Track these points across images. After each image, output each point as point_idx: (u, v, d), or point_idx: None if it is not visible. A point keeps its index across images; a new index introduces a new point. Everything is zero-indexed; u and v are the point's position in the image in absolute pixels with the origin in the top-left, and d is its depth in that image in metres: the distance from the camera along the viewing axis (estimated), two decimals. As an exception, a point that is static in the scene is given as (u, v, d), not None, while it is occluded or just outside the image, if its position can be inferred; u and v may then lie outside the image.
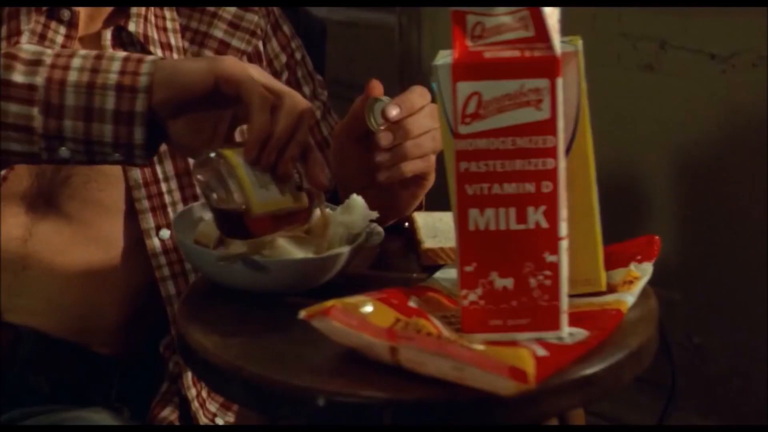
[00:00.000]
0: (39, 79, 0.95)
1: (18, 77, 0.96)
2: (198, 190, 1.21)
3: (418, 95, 1.06)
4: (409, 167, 1.06)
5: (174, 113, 0.97)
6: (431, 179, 1.11)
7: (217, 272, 0.97)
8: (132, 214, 1.19)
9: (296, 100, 0.96)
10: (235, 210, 0.93)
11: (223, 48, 1.26)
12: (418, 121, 1.05)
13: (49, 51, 0.98)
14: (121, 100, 0.95)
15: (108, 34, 1.19)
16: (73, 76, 0.96)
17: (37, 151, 0.97)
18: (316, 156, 0.97)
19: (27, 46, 0.99)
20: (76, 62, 0.97)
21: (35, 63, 0.96)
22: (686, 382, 1.55)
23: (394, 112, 1.03)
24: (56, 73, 0.96)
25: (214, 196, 0.93)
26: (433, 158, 1.08)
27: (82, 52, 0.99)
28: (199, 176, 0.94)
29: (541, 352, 0.81)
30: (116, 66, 0.96)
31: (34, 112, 0.95)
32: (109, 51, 1.00)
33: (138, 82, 0.95)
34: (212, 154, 0.94)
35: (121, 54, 0.98)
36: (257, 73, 0.96)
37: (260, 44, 1.28)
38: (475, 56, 0.82)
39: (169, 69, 0.96)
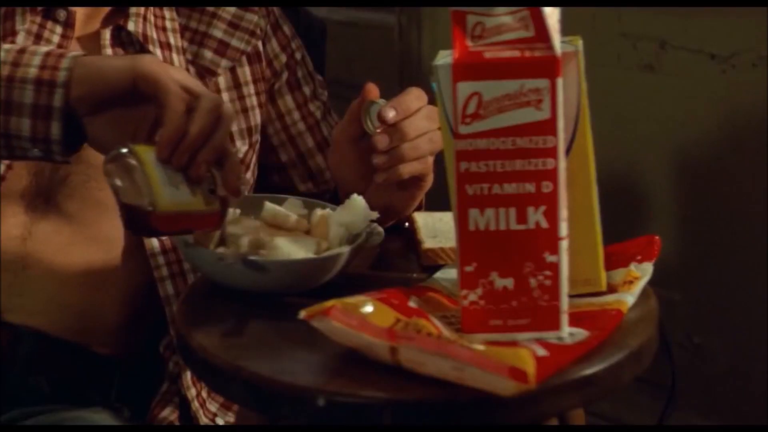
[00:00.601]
0: None
1: None
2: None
3: (415, 97, 1.06)
4: (407, 169, 1.06)
5: (93, 110, 0.96)
6: (429, 180, 1.12)
7: (217, 272, 0.97)
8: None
9: (215, 103, 0.94)
10: (140, 206, 0.91)
11: (223, 48, 1.26)
12: (414, 123, 1.05)
13: None
14: (39, 95, 0.94)
15: (107, 34, 1.19)
16: None
17: None
18: (233, 162, 0.96)
19: None
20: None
21: None
22: (686, 383, 1.55)
23: (390, 114, 1.04)
24: None
25: (121, 189, 0.92)
26: (430, 160, 1.08)
27: (7, 46, 0.98)
28: (108, 170, 0.92)
29: (541, 352, 0.81)
30: (37, 60, 0.96)
31: None
32: (33, 46, 0.99)
33: (57, 77, 0.94)
34: (124, 150, 0.92)
35: (45, 48, 0.98)
36: (179, 75, 0.96)
37: (260, 44, 1.28)
38: (475, 56, 0.82)
39: (88, 65, 0.95)
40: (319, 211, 1.03)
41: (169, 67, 0.96)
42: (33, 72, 0.95)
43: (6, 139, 0.97)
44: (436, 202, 1.26)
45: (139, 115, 0.97)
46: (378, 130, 1.05)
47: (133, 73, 0.95)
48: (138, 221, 0.92)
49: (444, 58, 0.85)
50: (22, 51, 0.97)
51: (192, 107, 0.94)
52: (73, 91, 0.95)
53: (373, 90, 1.07)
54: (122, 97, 0.96)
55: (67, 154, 0.98)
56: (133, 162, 0.92)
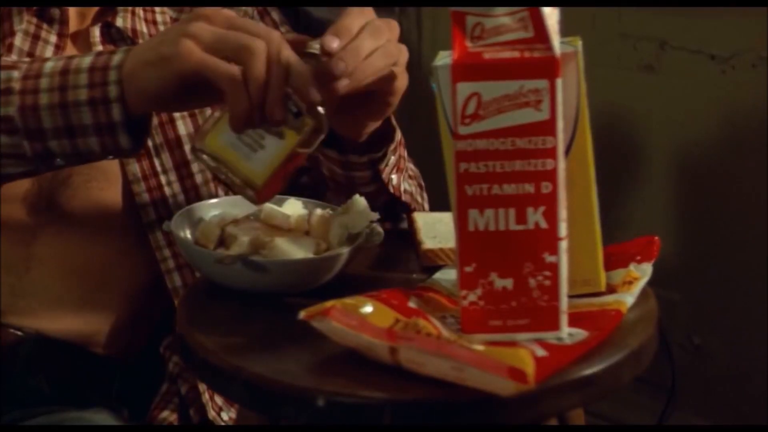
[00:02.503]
0: (12, 110, 0.93)
1: None
2: (198, 180, 1.21)
3: (355, 17, 1.02)
4: (368, 80, 1.01)
5: (154, 110, 0.97)
6: (400, 85, 1.06)
7: (217, 272, 0.98)
8: (133, 211, 1.19)
9: (262, 50, 0.91)
10: (247, 195, 0.94)
11: None
12: (361, 43, 1.00)
13: (15, 74, 0.96)
14: (97, 114, 0.93)
15: (96, 31, 1.19)
16: (44, 99, 0.93)
17: (34, 169, 0.97)
18: (297, 74, 0.93)
19: None
20: (44, 83, 0.95)
21: (6, 92, 0.94)
22: (686, 383, 1.55)
23: (333, 44, 0.98)
24: (28, 99, 0.94)
25: (228, 184, 0.94)
26: (397, 69, 1.04)
27: (48, 67, 0.96)
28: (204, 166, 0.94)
29: (541, 352, 0.81)
30: (83, 79, 0.94)
31: (19, 140, 0.94)
32: (76, 59, 0.97)
33: (108, 93, 0.93)
34: (194, 155, 0.94)
35: (87, 62, 0.96)
36: (213, 38, 0.93)
37: None
38: (474, 57, 0.82)
39: (135, 80, 0.94)
40: (319, 211, 1.03)
41: (202, 37, 0.93)
42: (84, 93, 0.94)
43: (78, 156, 0.97)
44: (436, 202, 1.27)
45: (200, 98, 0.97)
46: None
47: (178, 78, 0.93)
48: (258, 200, 0.95)
49: (443, 58, 0.85)
50: (65, 72, 0.95)
51: (243, 73, 0.91)
52: (129, 105, 0.94)
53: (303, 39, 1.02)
54: (178, 94, 0.95)
55: (140, 147, 0.98)
56: (212, 163, 0.92)
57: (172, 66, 0.93)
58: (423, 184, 1.29)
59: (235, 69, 0.92)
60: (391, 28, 1.04)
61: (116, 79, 0.93)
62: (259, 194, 0.94)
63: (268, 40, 0.92)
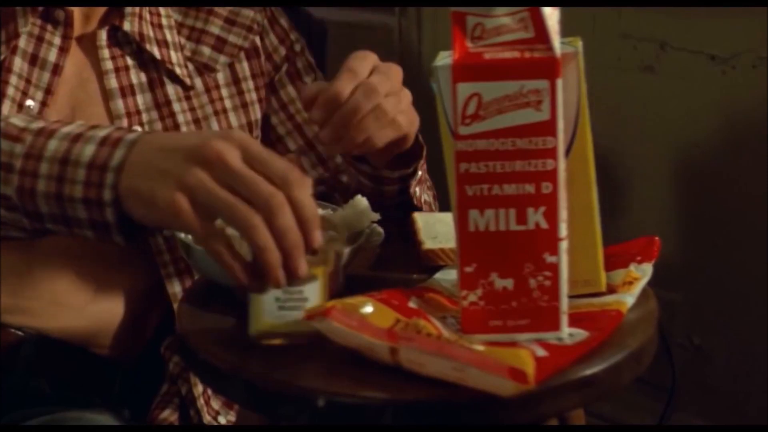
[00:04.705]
0: (10, 191, 0.91)
1: None
2: None
3: (347, 79, 1.02)
4: (361, 141, 1.04)
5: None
6: (407, 129, 1.09)
7: (217, 273, 0.97)
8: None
9: (255, 226, 0.82)
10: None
11: (220, 44, 1.26)
12: (352, 107, 1.02)
13: (18, 149, 0.91)
14: (91, 212, 0.89)
15: (103, 34, 1.19)
16: (41, 186, 0.90)
17: (37, 236, 0.95)
18: (304, 219, 0.84)
19: (3, 128, 0.93)
20: (43, 168, 0.90)
21: (7, 168, 0.91)
22: (686, 383, 1.55)
23: (316, 115, 1.00)
24: (26, 182, 0.90)
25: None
26: (399, 119, 1.05)
27: (51, 149, 0.91)
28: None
29: (541, 352, 0.81)
30: (81, 175, 0.89)
31: (19, 216, 0.92)
32: (78, 146, 0.90)
33: (103, 196, 0.88)
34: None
35: (87, 155, 0.90)
36: (206, 201, 0.83)
37: (257, 39, 1.29)
38: (475, 57, 0.82)
39: (127, 202, 0.88)
40: (319, 212, 1.03)
41: (196, 195, 0.84)
42: (79, 190, 0.89)
43: (77, 238, 0.93)
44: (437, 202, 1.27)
45: None
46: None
47: (166, 224, 0.87)
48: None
49: (444, 59, 0.85)
50: (65, 162, 0.90)
51: (265, 218, 0.83)
52: (126, 208, 0.88)
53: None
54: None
55: (136, 243, 0.93)
56: (276, 341, 0.87)
57: (160, 218, 0.87)
58: (436, 194, 1.31)
59: (221, 247, 0.84)
60: (391, 76, 1.04)
61: (112, 184, 0.88)
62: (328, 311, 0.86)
63: (270, 206, 0.82)
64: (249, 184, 0.83)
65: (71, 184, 0.90)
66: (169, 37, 1.24)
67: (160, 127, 1.19)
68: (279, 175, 0.83)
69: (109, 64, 1.19)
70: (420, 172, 1.20)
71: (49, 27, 1.17)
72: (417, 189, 1.21)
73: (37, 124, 0.92)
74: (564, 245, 0.84)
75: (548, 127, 0.82)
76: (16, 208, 0.91)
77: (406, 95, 1.08)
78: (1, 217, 0.93)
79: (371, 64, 1.06)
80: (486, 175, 0.83)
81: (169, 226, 0.89)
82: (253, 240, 0.82)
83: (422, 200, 1.23)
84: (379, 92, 1.03)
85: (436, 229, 1.09)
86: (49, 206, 0.91)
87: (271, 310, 0.86)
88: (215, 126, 1.24)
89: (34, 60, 1.16)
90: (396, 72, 1.07)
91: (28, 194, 0.90)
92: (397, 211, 1.17)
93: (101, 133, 0.90)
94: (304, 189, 0.83)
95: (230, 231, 0.99)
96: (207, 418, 1.19)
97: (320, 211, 1.03)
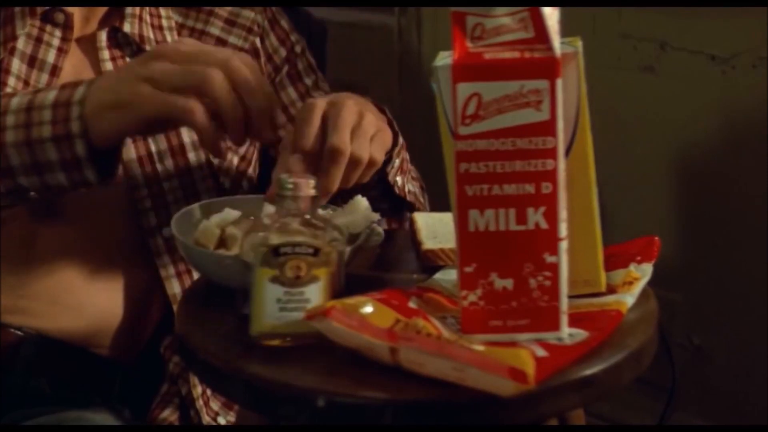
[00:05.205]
0: None
1: None
2: (200, 187, 1.21)
3: (307, 137, 0.98)
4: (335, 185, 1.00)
5: (120, 142, 0.96)
6: (385, 147, 1.06)
7: (217, 272, 0.98)
8: (134, 214, 1.19)
9: (214, 79, 0.91)
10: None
11: (221, 45, 1.26)
12: (331, 149, 0.98)
13: None
14: (61, 149, 0.93)
15: (103, 36, 1.19)
16: (10, 137, 0.93)
17: (10, 203, 0.97)
18: (263, 95, 0.93)
19: None
20: (9, 120, 0.94)
21: None
22: (686, 383, 1.56)
23: (296, 167, 0.96)
24: None
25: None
26: (375, 152, 1.02)
27: (15, 103, 0.96)
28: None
29: (541, 352, 0.81)
30: (47, 116, 0.94)
31: None
32: (41, 94, 0.96)
33: (71, 129, 0.93)
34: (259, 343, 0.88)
35: (50, 98, 0.95)
36: (170, 78, 0.92)
37: (257, 40, 1.29)
38: (475, 57, 0.82)
39: (95, 121, 0.94)
40: (319, 212, 1.03)
41: (159, 79, 0.93)
42: (47, 129, 0.94)
43: (48, 191, 0.97)
44: (436, 202, 1.27)
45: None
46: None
47: (139, 121, 0.94)
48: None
49: (444, 59, 0.85)
50: (30, 109, 0.95)
51: (210, 98, 0.92)
52: (93, 138, 0.94)
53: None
54: (141, 131, 0.96)
55: (111, 178, 0.98)
56: (276, 341, 0.87)
57: (132, 111, 0.93)
58: (424, 186, 1.30)
59: (193, 102, 0.92)
60: (344, 112, 0.98)
61: (78, 115, 0.93)
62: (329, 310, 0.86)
63: (223, 67, 0.92)
64: (204, 53, 0.93)
65: (38, 126, 0.93)
66: (169, 39, 1.24)
67: None
68: (226, 55, 0.93)
69: (108, 65, 1.19)
70: (397, 160, 1.17)
71: (48, 28, 1.17)
72: (399, 179, 1.19)
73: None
74: (564, 245, 0.84)
75: (548, 127, 0.82)
76: None
77: (369, 122, 1.01)
78: None
79: (319, 113, 0.99)
80: (486, 175, 0.83)
81: (141, 119, 0.93)
82: (212, 92, 0.90)
83: (406, 190, 1.21)
84: (344, 152, 0.97)
85: (436, 229, 1.09)
86: (20, 155, 0.92)
87: (272, 311, 0.86)
88: None
89: (32, 61, 1.16)
90: (347, 104, 0.99)
91: None
92: (383, 203, 1.16)
93: (61, 84, 0.95)
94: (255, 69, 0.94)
95: (230, 231, 1.00)
96: (206, 419, 1.19)
97: (320, 212, 1.03)
